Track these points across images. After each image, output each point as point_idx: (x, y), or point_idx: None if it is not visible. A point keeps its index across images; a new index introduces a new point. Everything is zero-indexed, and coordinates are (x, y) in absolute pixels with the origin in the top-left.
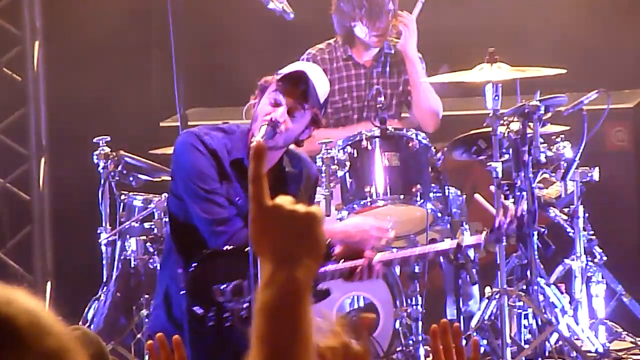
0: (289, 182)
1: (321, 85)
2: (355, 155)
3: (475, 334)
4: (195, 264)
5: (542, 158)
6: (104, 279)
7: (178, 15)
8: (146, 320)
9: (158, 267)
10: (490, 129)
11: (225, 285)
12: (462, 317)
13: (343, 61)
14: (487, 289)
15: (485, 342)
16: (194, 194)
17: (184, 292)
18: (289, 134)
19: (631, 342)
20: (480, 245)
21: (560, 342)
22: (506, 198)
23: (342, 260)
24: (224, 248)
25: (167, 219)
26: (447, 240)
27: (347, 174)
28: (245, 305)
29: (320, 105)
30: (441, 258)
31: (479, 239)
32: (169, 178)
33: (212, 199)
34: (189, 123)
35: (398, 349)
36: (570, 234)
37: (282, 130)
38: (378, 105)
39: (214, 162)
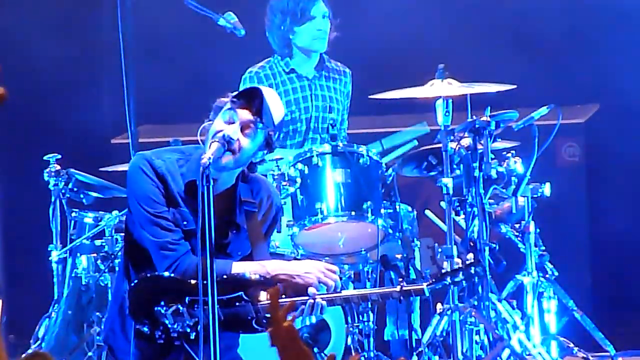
0: (239, 211)
1: (276, 107)
2: (306, 171)
3: (427, 349)
4: (135, 284)
5: (493, 174)
6: (55, 297)
7: (128, 31)
8: (97, 337)
9: (109, 284)
10: (440, 144)
11: (165, 309)
12: (412, 334)
13: (286, 74)
14: (439, 305)
15: (436, 358)
16: (141, 217)
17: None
18: (242, 154)
19: (583, 358)
20: (423, 291)
21: (512, 358)
22: (457, 214)
23: (285, 294)
24: (165, 274)
25: (118, 236)
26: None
27: (298, 191)
28: (189, 327)
29: (275, 126)
30: (392, 274)
31: (422, 286)
32: (120, 195)
33: (158, 223)
34: (140, 140)
35: None
36: (522, 250)
37: (235, 148)
38: (330, 122)
39: (161, 185)
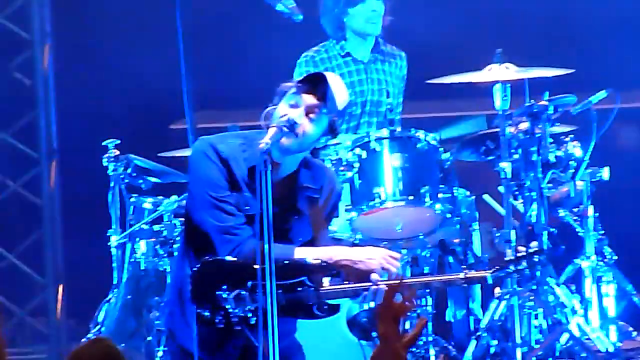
0: (300, 197)
1: (340, 92)
2: (364, 156)
3: (485, 334)
4: (197, 268)
5: (552, 158)
6: (115, 282)
7: (188, 17)
8: (156, 322)
9: (167, 269)
10: (498, 129)
11: (227, 293)
12: (470, 318)
13: (341, 58)
14: (497, 289)
15: (495, 342)
16: (204, 201)
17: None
18: (305, 138)
19: None
20: (486, 279)
21: (570, 342)
22: (515, 198)
23: (349, 279)
24: (227, 258)
25: (176, 222)
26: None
27: (356, 176)
28: (251, 312)
29: (339, 112)
30: (450, 258)
31: (485, 273)
32: (178, 180)
33: (221, 207)
34: (198, 126)
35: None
36: (580, 234)
37: (298, 132)
38: (387, 107)
39: (225, 170)
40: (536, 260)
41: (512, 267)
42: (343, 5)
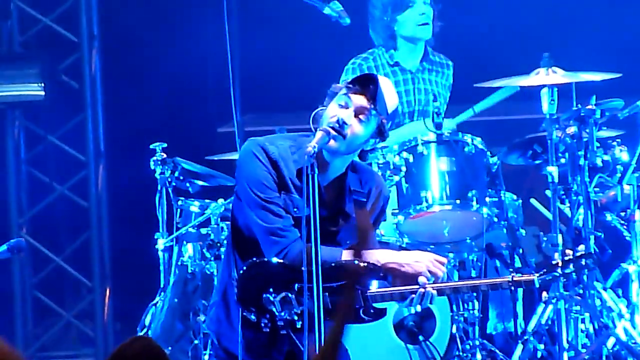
0: (348, 200)
1: (390, 95)
2: (411, 160)
3: (532, 338)
4: (243, 270)
5: (599, 162)
6: (162, 285)
7: (235, 19)
8: (203, 325)
9: (215, 273)
10: (546, 133)
11: (274, 296)
12: (517, 322)
13: (389, 67)
14: (544, 294)
15: (542, 346)
16: (252, 202)
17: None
18: (354, 139)
19: None
20: (533, 282)
21: (617, 347)
22: (562, 202)
23: (396, 283)
24: (274, 260)
25: (223, 225)
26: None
27: (403, 179)
28: (297, 315)
29: (388, 115)
30: (497, 262)
31: (532, 277)
32: (226, 184)
33: (269, 208)
34: (246, 129)
35: (455, 353)
36: (627, 238)
37: (347, 133)
38: (434, 111)
39: (274, 171)
40: (583, 263)
41: (559, 271)
42: (391, 13)
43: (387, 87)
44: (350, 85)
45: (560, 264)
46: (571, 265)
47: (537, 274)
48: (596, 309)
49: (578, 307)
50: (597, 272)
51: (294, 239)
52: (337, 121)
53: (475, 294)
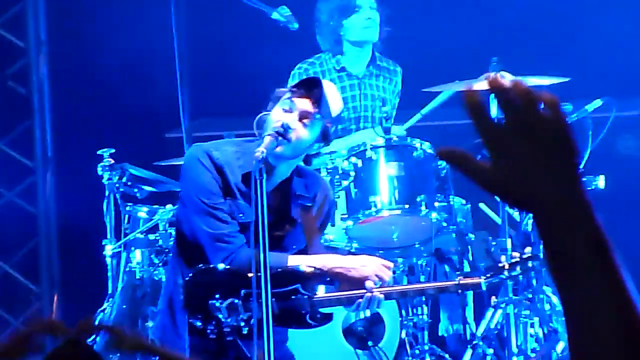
0: (294, 205)
1: (334, 99)
2: (360, 165)
3: (481, 343)
4: (190, 277)
5: None
6: (110, 291)
7: (183, 25)
8: (152, 331)
9: (163, 279)
10: None
11: (220, 302)
12: (467, 326)
13: (336, 72)
14: (493, 298)
15: (491, 351)
16: (197, 208)
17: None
18: (298, 143)
19: None
20: (480, 285)
21: (566, 352)
22: (511, 207)
23: (343, 287)
24: (220, 266)
25: (172, 231)
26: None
27: (352, 184)
28: (243, 322)
29: (332, 119)
30: (446, 267)
31: (479, 280)
32: (174, 189)
33: (214, 214)
34: (194, 134)
35: (404, 358)
36: None
37: (291, 137)
38: (382, 116)
39: (219, 177)
40: (530, 265)
41: (506, 273)
42: (338, 18)
43: (331, 91)
44: (294, 89)
45: (506, 267)
46: (518, 268)
47: (484, 277)
48: (545, 313)
49: (527, 312)
50: (547, 277)
51: (239, 245)
52: (282, 125)
53: (424, 299)
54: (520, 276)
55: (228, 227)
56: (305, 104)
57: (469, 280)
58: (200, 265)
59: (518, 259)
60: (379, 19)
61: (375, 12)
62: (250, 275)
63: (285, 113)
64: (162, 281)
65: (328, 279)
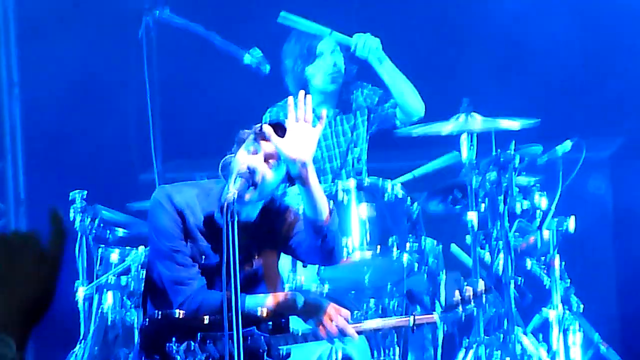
0: (258, 244)
1: None
2: (331, 207)
3: None
4: (146, 323)
5: (518, 208)
6: (82, 334)
7: (154, 67)
8: None
9: (135, 321)
10: (465, 179)
11: (177, 345)
12: None
13: None
14: (465, 339)
15: None
16: (158, 251)
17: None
18: (265, 186)
19: None
20: (435, 322)
21: None
22: (482, 248)
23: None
24: (177, 311)
25: (143, 273)
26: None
27: None
28: None
29: None
30: (418, 308)
31: (433, 317)
32: (146, 231)
33: (174, 258)
34: (167, 175)
35: None
36: (547, 284)
37: (258, 180)
38: (354, 157)
39: (180, 220)
40: (484, 300)
41: (460, 308)
42: (301, 64)
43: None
44: (258, 132)
45: (460, 301)
46: (472, 302)
47: (437, 313)
48: (516, 354)
49: (498, 352)
50: (518, 318)
51: (198, 287)
52: (247, 168)
53: (396, 339)
54: (475, 310)
55: (187, 270)
56: (269, 146)
57: (423, 317)
58: (155, 312)
59: (471, 294)
60: (344, 59)
61: (339, 56)
62: (207, 318)
63: (250, 155)
64: (134, 323)
65: (283, 320)
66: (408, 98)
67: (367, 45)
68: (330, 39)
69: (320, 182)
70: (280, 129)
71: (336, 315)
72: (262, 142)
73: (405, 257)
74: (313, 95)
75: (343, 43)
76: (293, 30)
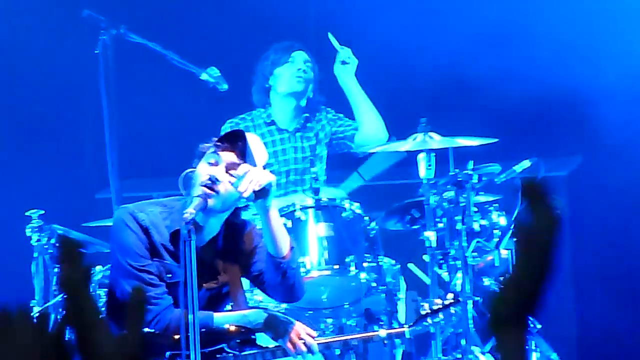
0: (222, 260)
1: (259, 150)
2: (289, 225)
3: None
4: None
5: (476, 227)
6: None
7: (111, 85)
8: None
9: None
10: (423, 198)
11: None
12: None
13: (266, 127)
14: (422, 359)
15: None
16: (124, 271)
17: None
18: (227, 195)
19: None
20: (403, 334)
21: None
22: (440, 267)
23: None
24: (145, 329)
25: (101, 292)
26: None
27: None
28: None
29: None
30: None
31: (403, 329)
32: (103, 250)
33: (140, 277)
34: (124, 194)
35: None
36: None
37: (220, 189)
38: (312, 176)
39: (145, 238)
40: (452, 311)
41: (429, 320)
42: (270, 67)
43: (256, 143)
44: (219, 143)
45: (429, 314)
46: (440, 314)
47: (407, 326)
48: None
49: None
50: (476, 337)
51: (166, 306)
52: (210, 179)
53: (354, 358)
54: (442, 322)
55: (154, 289)
56: (230, 157)
57: (393, 330)
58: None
59: (440, 306)
60: (313, 75)
61: (308, 67)
62: (176, 336)
63: (211, 167)
64: None
65: (253, 336)
66: (372, 123)
67: (351, 57)
68: (306, 53)
69: (277, 194)
70: (238, 137)
71: (304, 333)
72: (222, 153)
73: (363, 276)
74: (274, 105)
75: (334, 46)
76: (274, 43)
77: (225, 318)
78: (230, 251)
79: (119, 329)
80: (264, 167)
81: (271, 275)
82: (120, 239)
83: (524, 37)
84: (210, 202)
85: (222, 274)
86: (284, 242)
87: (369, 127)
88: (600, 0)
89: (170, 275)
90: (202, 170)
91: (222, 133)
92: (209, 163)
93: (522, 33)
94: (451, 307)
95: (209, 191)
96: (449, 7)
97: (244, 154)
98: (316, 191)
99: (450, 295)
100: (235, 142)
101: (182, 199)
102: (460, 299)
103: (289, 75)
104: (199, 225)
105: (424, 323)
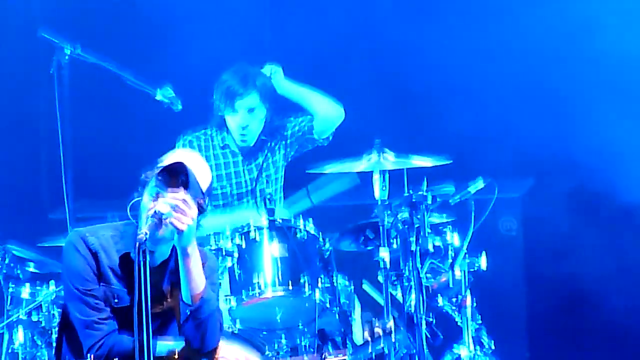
0: (167, 282)
1: (202, 173)
2: (244, 246)
3: None
4: None
5: (430, 247)
6: None
7: (66, 107)
8: None
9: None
10: (378, 218)
11: None
12: None
13: (220, 149)
14: None
15: None
16: (70, 294)
17: None
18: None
19: None
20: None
21: None
22: (394, 287)
23: None
24: (89, 356)
25: (55, 311)
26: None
27: (236, 265)
28: None
29: (203, 194)
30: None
31: (344, 356)
32: (57, 270)
33: (86, 301)
34: (78, 215)
35: None
36: (459, 323)
37: (167, 223)
38: (266, 197)
39: (93, 263)
40: (393, 339)
41: (369, 348)
42: (223, 108)
43: (197, 165)
44: (160, 178)
45: (370, 341)
46: (381, 341)
47: (348, 353)
48: None
49: None
50: (429, 357)
51: (109, 331)
52: (155, 213)
53: None
54: (385, 349)
55: (99, 313)
56: (173, 189)
57: (335, 358)
58: (66, 357)
59: (380, 333)
60: (262, 116)
61: (251, 117)
62: None
63: (155, 201)
64: None
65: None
66: (321, 104)
67: (273, 67)
68: (251, 96)
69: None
70: (179, 172)
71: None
72: (166, 184)
73: (317, 296)
74: (230, 132)
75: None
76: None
77: (169, 344)
78: (175, 273)
79: (69, 347)
80: (208, 188)
81: (182, 318)
82: (69, 262)
83: (482, 57)
84: (161, 231)
85: (168, 299)
86: (194, 288)
87: (320, 108)
88: (543, 16)
89: (117, 301)
90: (147, 203)
91: (171, 153)
92: (153, 197)
93: (481, 53)
94: (392, 334)
95: (157, 221)
96: (406, 26)
97: (186, 186)
98: (271, 212)
99: (390, 324)
100: (177, 176)
101: (131, 224)
102: (400, 326)
103: (235, 128)
104: (150, 250)
105: (365, 350)
